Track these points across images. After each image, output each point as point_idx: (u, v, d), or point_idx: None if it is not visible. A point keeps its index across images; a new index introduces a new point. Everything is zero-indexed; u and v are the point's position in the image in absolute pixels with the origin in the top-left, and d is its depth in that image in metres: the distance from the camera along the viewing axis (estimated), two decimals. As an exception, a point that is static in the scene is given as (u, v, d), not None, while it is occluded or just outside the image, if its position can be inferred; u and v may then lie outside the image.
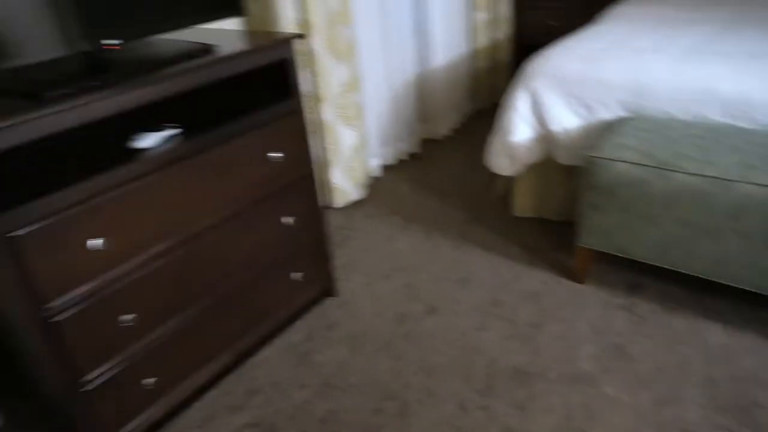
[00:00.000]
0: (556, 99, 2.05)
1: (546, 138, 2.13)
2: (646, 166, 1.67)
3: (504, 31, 3.53)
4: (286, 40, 1.52)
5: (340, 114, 2.42)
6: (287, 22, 2.12)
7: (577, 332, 1.77)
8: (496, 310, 1.89)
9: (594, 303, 1.89)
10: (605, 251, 1.86)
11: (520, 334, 1.78)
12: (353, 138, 2.50)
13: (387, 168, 2.98)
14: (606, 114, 1.99)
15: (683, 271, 1.74)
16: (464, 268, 2.13)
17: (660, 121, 1.87)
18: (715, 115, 1.83)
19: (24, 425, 1.61)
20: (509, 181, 2.52)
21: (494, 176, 2.67)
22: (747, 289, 1.65)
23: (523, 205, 2.41)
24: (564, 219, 2.35)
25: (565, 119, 2.06)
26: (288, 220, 1.69)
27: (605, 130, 1.95)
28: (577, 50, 2.12)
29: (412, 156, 3.11)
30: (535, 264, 2.12)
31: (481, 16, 3.34)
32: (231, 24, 2.07)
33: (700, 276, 1.72)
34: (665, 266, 1.76)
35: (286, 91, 1.59)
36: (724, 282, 1.68)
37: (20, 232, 1.11)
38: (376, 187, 2.80)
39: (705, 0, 2.74)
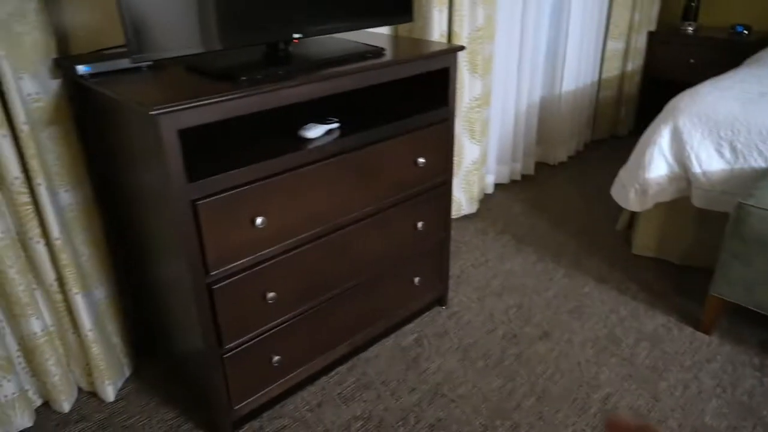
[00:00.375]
0: (703, 139, 1.96)
1: (683, 178, 2.05)
2: (806, 221, 1.57)
3: (635, 62, 3.42)
4: (452, 50, 1.56)
5: (467, 128, 2.44)
6: (434, 32, 2.16)
7: (702, 384, 1.68)
8: (612, 347, 1.84)
9: (721, 356, 1.79)
10: (741, 304, 1.76)
11: (638, 375, 1.72)
12: (476, 153, 2.51)
13: (499, 186, 2.96)
14: (758, 161, 1.89)
15: (831, 339, 1.62)
16: (578, 297, 2.08)
17: (821, 175, 1.76)
18: None
19: (150, 380, 1.72)
20: (632, 216, 2.44)
21: (615, 210, 2.59)
22: None
23: (644, 243, 2.32)
24: (688, 264, 2.24)
25: (709, 161, 1.97)
26: (420, 224, 1.72)
27: (755, 177, 1.85)
28: (733, 91, 2.03)
29: (525, 177, 3.08)
30: (654, 305, 2.03)
31: (615, 45, 3.26)
32: (381, 29, 2.14)
33: None
34: (809, 330, 1.65)
35: (441, 99, 1.62)
36: None
37: (202, 201, 1.20)
38: (487, 203, 2.79)
39: None
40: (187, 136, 1.20)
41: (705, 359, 1.78)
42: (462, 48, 1.59)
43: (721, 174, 1.96)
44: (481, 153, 2.55)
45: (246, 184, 1.26)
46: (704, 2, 3.45)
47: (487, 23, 2.31)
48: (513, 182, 3.02)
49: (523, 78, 2.79)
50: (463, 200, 2.57)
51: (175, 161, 1.13)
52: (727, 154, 1.94)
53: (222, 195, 1.22)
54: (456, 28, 2.20)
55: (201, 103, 1.11)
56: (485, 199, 2.82)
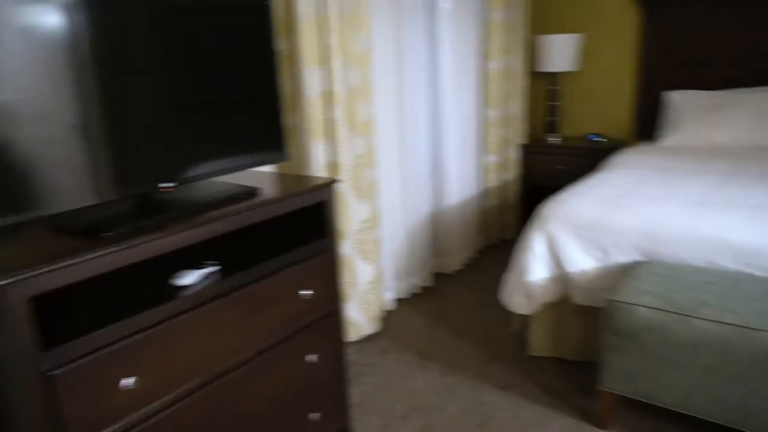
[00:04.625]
0: (572, 242, 2.13)
1: (562, 278, 2.18)
2: (667, 311, 1.70)
3: (512, 172, 3.73)
4: (327, 185, 1.63)
5: (359, 249, 2.50)
6: (317, 164, 2.26)
7: (608, 486, 1.69)
8: (520, 458, 1.82)
9: (621, 453, 1.82)
10: (628, 396, 1.83)
11: (547, 486, 1.70)
12: (370, 273, 2.55)
13: (400, 301, 3.00)
14: (622, 257, 2.06)
15: (708, 419, 1.70)
16: (483, 409, 2.08)
17: (675, 266, 1.94)
18: (728, 262, 1.90)
19: None
20: (525, 319, 2.53)
21: (510, 314, 2.68)
22: (781, 443, 1.60)
23: (539, 344, 2.40)
24: (582, 359, 2.33)
25: (581, 261, 2.13)
26: (312, 357, 1.69)
27: (622, 273, 2.01)
28: (590, 196, 2.24)
29: (425, 289, 3.15)
30: (555, 406, 2.06)
31: (492, 158, 3.55)
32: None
33: (727, 425, 1.67)
34: (689, 413, 1.73)
35: (321, 231, 1.66)
36: (754, 434, 1.64)
37: (59, 371, 1.11)
38: (389, 320, 2.80)
39: (702, 152, 2.94)
40: (44, 301, 1.14)
41: (608, 458, 1.80)
42: (334, 181, 1.67)
43: (595, 272, 2.11)
44: (375, 272, 2.59)
45: (109, 344, 1.19)
46: (564, 117, 3.89)
47: (368, 151, 2.45)
48: (414, 296, 3.08)
49: (410, 195, 2.94)
50: (362, 321, 2.57)
51: (24, 331, 1.05)
52: (597, 253, 2.11)
53: (82, 361, 1.14)
54: (338, 158, 2.32)
55: (53, 267, 1.07)
56: (387, 317, 2.83)
